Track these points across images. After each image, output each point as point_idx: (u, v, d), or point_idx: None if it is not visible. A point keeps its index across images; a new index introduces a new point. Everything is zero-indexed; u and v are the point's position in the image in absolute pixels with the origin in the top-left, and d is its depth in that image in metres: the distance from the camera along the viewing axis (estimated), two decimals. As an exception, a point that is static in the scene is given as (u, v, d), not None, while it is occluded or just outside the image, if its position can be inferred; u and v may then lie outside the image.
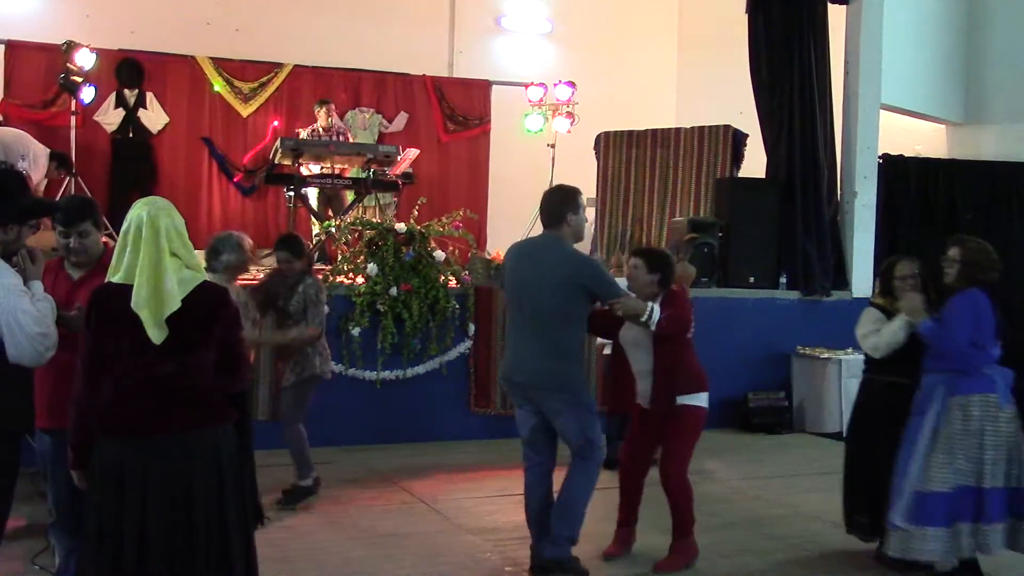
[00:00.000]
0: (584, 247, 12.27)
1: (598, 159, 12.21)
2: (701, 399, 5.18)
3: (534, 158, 12.09)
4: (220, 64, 11.56)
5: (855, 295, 10.14)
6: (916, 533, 4.79)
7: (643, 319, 4.83)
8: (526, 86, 12.27)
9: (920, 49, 11.54)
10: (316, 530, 5.73)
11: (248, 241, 5.63)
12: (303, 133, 10.75)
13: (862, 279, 10.12)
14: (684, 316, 5.07)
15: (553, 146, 11.93)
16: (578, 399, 4.89)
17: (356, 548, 5.45)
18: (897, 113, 11.31)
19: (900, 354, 5.13)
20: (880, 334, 5.22)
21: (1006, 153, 11.19)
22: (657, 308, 4.87)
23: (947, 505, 4.77)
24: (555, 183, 11.71)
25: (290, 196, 9.69)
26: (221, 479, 3.40)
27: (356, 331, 7.79)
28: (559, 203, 4.94)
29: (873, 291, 5.42)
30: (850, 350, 9.52)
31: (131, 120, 11.02)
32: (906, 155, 11.00)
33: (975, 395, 4.84)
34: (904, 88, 11.03)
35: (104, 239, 4.12)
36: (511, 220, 11.57)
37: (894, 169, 10.75)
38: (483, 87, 12.79)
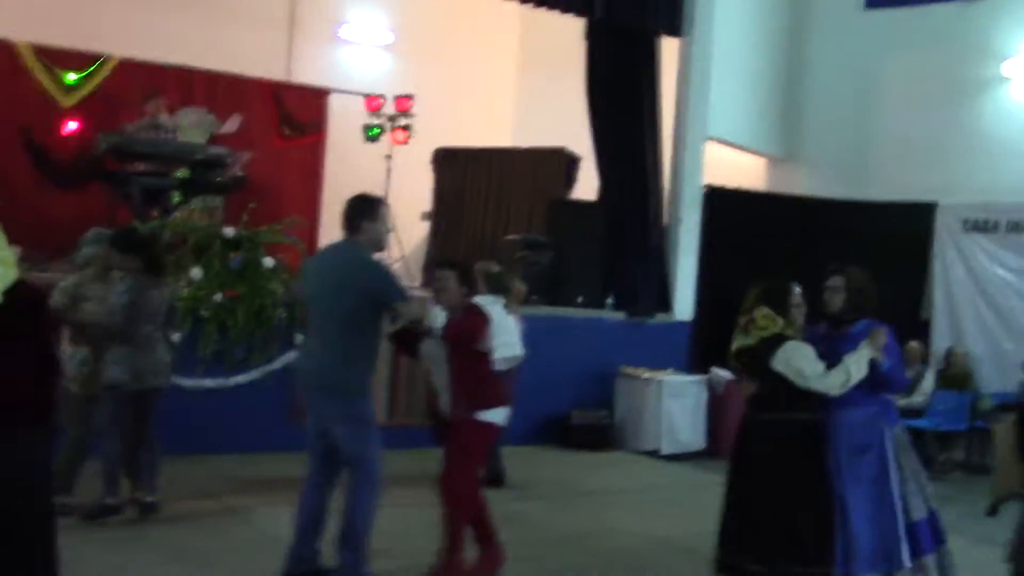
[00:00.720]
0: (417, 259, 12.28)
1: (435, 174, 12.26)
2: (492, 415, 5.13)
3: (370, 169, 11.99)
4: (41, 51, 10.94)
5: (677, 318, 10.53)
6: (927, 562, 4.76)
7: (425, 325, 4.92)
8: (365, 96, 12.17)
9: (745, 86, 12.13)
10: (123, 547, 5.47)
11: None
12: (130, 129, 10.30)
13: (684, 302, 10.52)
14: (468, 327, 5.03)
15: (389, 157, 11.88)
16: (355, 408, 4.85)
17: (166, 565, 5.23)
18: (722, 145, 11.83)
19: (792, 390, 4.76)
20: (847, 371, 4.76)
21: (818, 189, 11.87)
22: (442, 316, 4.92)
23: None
24: (389, 195, 11.78)
25: (111, 194, 9.26)
26: (31, 481, 3.32)
27: (176, 337, 7.50)
28: (355, 211, 4.95)
29: (739, 320, 4.98)
30: (671, 370, 9.88)
31: (-62, 107, 10.30)
32: (728, 186, 11.50)
33: (898, 425, 5.02)
34: (729, 122, 11.56)
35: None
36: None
37: (717, 199, 11.22)
38: (321, 95, 12.59)
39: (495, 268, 7.05)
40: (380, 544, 5.11)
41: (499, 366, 6.99)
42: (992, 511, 5.63)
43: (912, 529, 4.73)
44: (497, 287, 6.89)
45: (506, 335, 6.16)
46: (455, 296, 5.10)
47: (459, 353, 5.06)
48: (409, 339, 5.19)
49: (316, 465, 4.98)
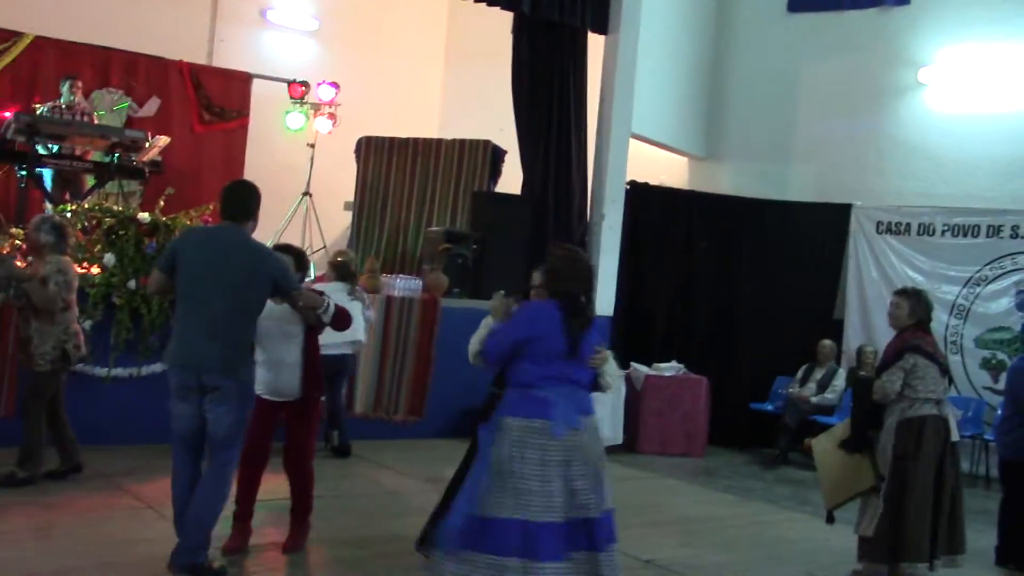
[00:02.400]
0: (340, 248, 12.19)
1: (358, 163, 12.14)
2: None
3: (293, 157, 11.85)
4: (-49, 28, 10.55)
5: (598, 313, 10.57)
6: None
7: (319, 311, 5.14)
8: (289, 83, 12.00)
9: (670, 85, 12.25)
10: (26, 538, 5.31)
11: None
12: (42, 109, 9.99)
13: (606, 300, 10.57)
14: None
15: (313, 146, 11.73)
16: (242, 390, 4.89)
17: (71, 558, 5.08)
18: (645, 143, 11.94)
19: None
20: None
21: (739, 188, 12.05)
22: (333, 304, 5.21)
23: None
24: (312, 184, 11.64)
25: (22, 176, 8.98)
26: None
27: (87, 324, 7.30)
28: (250, 197, 4.98)
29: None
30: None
31: None
32: (651, 183, 11.61)
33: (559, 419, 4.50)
34: (653, 120, 11.66)
35: None
36: (266, 217, 11.15)
37: (640, 196, 11.32)
38: (243, 79, 12.37)
39: (341, 257, 7.80)
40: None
41: (344, 350, 7.62)
42: (830, 519, 6.07)
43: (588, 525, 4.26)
44: (343, 275, 7.63)
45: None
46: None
47: (312, 337, 5.37)
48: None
49: (187, 457, 4.96)
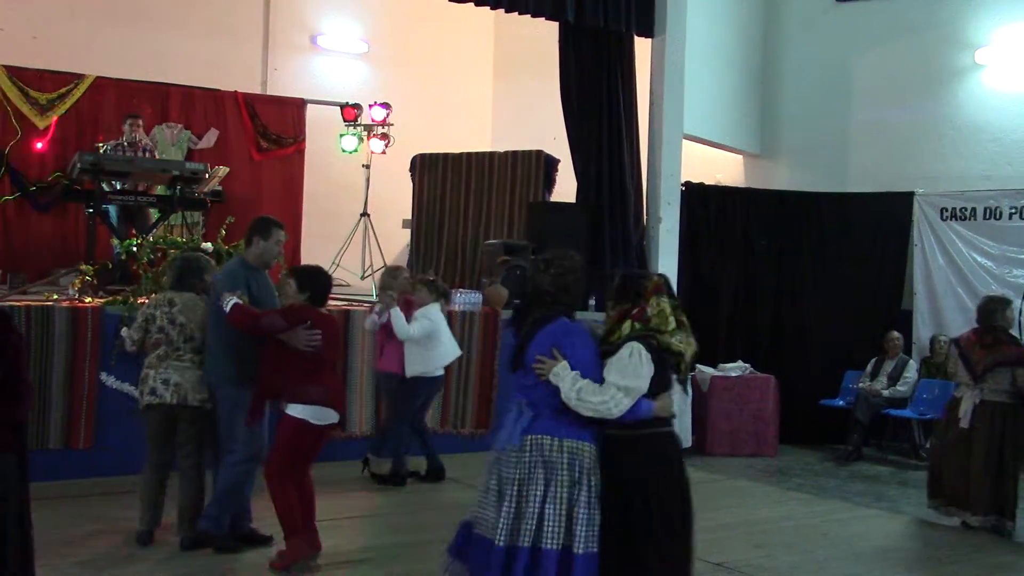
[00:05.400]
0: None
1: (413, 181, 12.27)
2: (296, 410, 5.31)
3: (349, 178, 12.00)
4: (14, 73, 10.89)
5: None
6: None
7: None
8: (341, 106, 12.17)
9: (720, 83, 12.18)
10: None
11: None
12: (105, 148, 10.28)
13: (666, 301, 10.51)
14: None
15: (368, 167, 11.88)
16: (219, 392, 5.55)
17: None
18: (699, 143, 11.88)
19: None
20: None
21: (796, 183, 11.92)
22: (233, 300, 5.40)
23: None
24: (369, 204, 11.79)
25: (89, 213, 9.25)
26: (3, 510, 3.30)
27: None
28: (250, 227, 5.75)
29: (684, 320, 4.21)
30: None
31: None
32: (706, 183, 11.55)
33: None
34: (705, 120, 11.61)
35: None
36: (326, 240, 11.44)
37: (696, 196, 11.26)
38: (297, 105, 12.57)
39: (432, 276, 8.07)
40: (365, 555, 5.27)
41: (441, 372, 7.77)
42: None
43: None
44: (440, 292, 7.69)
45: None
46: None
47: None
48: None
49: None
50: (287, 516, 5.29)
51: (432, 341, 7.44)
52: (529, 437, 3.93)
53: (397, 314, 7.28)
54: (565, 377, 3.88)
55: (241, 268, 5.68)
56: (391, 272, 7.93)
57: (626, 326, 4.03)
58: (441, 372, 7.76)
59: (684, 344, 4.06)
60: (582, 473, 3.87)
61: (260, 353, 5.38)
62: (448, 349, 7.64)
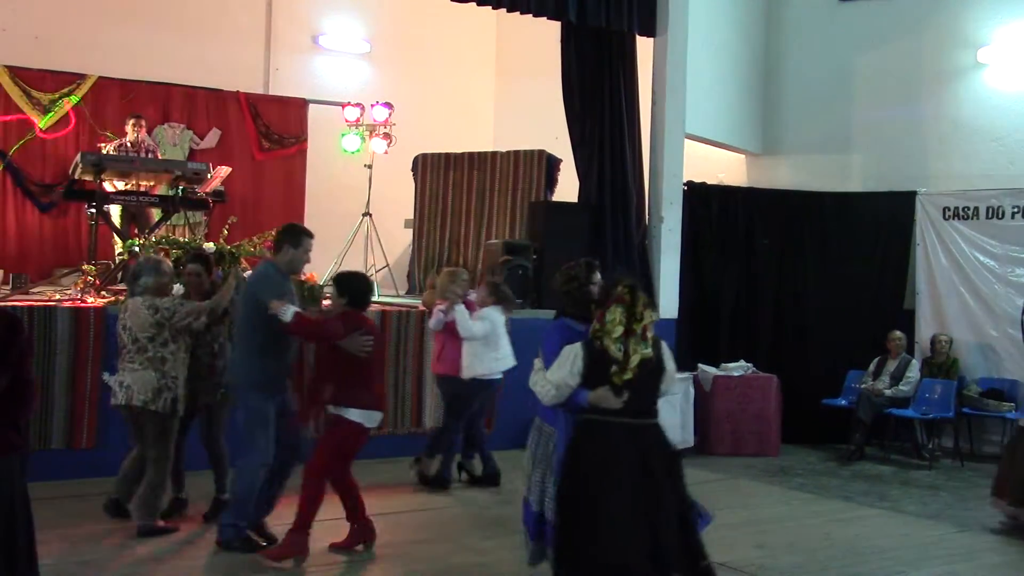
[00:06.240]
0: (402, 266, 12.35)
1: (416, 180, 12.27)
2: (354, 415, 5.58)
3: (351, 178, 12.00)
4: (17, 73, 10.91)
5: (663, 316, 10.52)
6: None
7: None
8: (343, 106, 12.17)
9: (722, 83, 12.16)
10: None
11: (167, 264, 6.26)
12: (108, 148, 10.29)
13: (669, 301, 10.53)
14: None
15: (370, 166, 11.88)
16: (244, 398, 5.60)
17: None
18: (700, 143, 11.86)
19: None
20: None
21: (798, 182, 11.91)
22: (293, 309, 5.46)
23: None
24: (371, 204, 11.80)
25: (91, 213, 9.26)
26: (12, 510, 3.33)
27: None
28: (280, 234, 5.84)
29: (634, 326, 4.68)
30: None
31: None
32: (708, 182, 11.54)
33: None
34: (707, 119, 11.59)
35: None
36: (328, 240, 11.38)
37: (698, 196, 11.25)
38: (299, 105, 12.60)
39: (498, 278, 8.01)
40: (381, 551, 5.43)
41: (498, 376, 7.62)
42: None
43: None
44: (503, 297, 7.63)
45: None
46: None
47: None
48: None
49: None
50: (306, 511, 5.46)
51: (491, 343, 7.43)
52: (535, 419, 5.10)
53: (462, 311, 7.30)
54: (536, 369, 4.77)
55: (278, 274, 5.74)
56: (451, 275, 7.78)
57: (592, 327, 4.62)
58: (499, 376, 7.63)
59: (631, 350, 4.50)
60: (549, 451, 4.95)
61: (314, 359, 5.73)
62: (505, 354, 7.57)
